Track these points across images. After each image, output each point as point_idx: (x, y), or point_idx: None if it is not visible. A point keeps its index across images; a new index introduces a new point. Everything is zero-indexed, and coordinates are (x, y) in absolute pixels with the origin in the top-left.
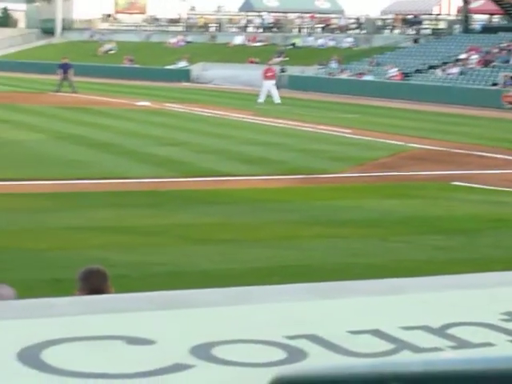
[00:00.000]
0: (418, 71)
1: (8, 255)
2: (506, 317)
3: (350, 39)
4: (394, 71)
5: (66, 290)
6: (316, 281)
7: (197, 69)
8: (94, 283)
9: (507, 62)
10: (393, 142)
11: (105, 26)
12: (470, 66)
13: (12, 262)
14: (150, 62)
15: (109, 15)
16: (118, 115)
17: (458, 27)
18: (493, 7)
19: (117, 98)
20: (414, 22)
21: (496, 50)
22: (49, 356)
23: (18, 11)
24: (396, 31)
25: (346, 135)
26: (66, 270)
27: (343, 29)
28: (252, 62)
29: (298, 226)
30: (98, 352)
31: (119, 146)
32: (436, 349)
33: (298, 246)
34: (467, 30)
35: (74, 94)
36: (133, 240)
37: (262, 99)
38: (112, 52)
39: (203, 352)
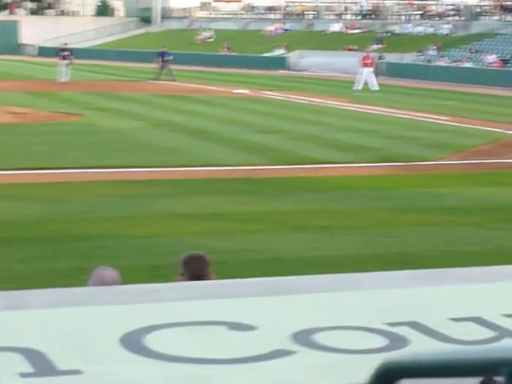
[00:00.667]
0: None
1: (109, 242)
2: None
3: (448, 26)
4: (492, 58)
5: (166, 276)
6: (414, 268)
7: (293, 56)
8: (195, 269)
9: None
10: (492, 129)
11: (203, 14)
12: None
13: (113, 249)
14: (247, 49)
15: (207, 3)
16: (215, 103)
17: None
18: None
19: (214, 85)
20: None
21: None
22: (151, 341)
23: (117, 0)
24: (494, 17)
25: (444, 122)
26: (166, 256)
27: (441, 15)
28: (349, 50)
29: (394, 213)
30: (199, 337)
31: (216, 134)
32: None
33: (394, 233)
34: None
35: (172, 82)
36: (229, 227)
37: (359, 86)
38: (210, 40)
39: (304, 338)
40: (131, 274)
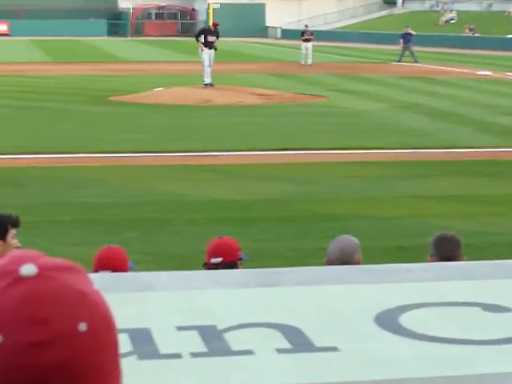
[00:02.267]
0: None
1: (353, 223)
2: None
3: None
4: None
5: (410, 257)
6: None
7: None
8: (447, 250)
9: None
10: None
11: None
12: None
13: (357, 230)
14: (490, 31)
15: None
16: (458, 84)
17: None
18: None
19: (456, 67)
20: None
21: None
22: (405, 320)
23: None
24: None
25: None
26: (410, 237)
27: None
28: None
29: None
30: (453, 318)
31: (460, 116)
32: None
33: None
34: None
35: (414, 64)
36: (474, 209)
37: None
38: (452, 21)
39: None
40: (377, 255)
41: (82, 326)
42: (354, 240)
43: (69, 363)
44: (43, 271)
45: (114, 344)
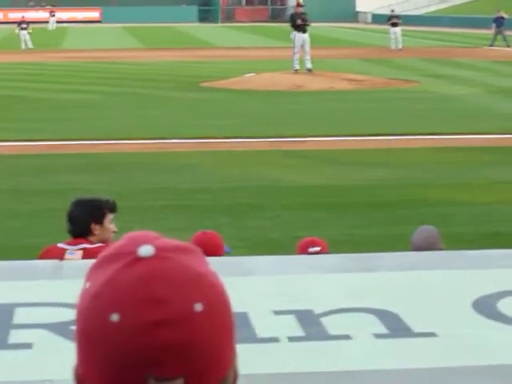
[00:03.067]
0: None
1: (448, 209)
2: None
3: None
4: None
5: (507, 243)
6: None
7: None
8: None
9: None
10: None
11: None
12: None
13: (452, 216)
14: None
15: None
16: None
17: None
18: None
19: None
20: None
21: None
22: (503, 306)
23: None
24: None
25: None
26: (507, 223)
27: None
28: None
29: None
30: None
31: None
32: None
33: None
34: None
35: (507, 48)
36: None
37: None
38: None
39: None
40: (473, 241)
41: (199, 307)
42: (436, 230)
43: (185, 344)
44: (160, 252)
45: (229, 325)
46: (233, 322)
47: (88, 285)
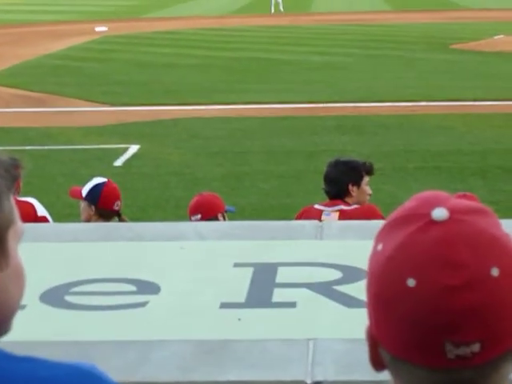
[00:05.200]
0: None
1: None
2: None
3: None
4: None
5: None
6: None
7: None
8: None
9: None
10: None
11: None
12: None
13: None
14: None
15: None
16: None
17: None
18: None
19: None
20: None
21: None
22: None
23: None
24: None
25: None
26: None
27: None
28: None
29: None
30: None
31: None
32: None
33: None
34: None
35: None
36: None
37: None
38: None
39: None
40: None
41: (495, 272)
42: None
43: (481, 307)
44: (455, 215)
45: None
46: None
47: (380, 247)
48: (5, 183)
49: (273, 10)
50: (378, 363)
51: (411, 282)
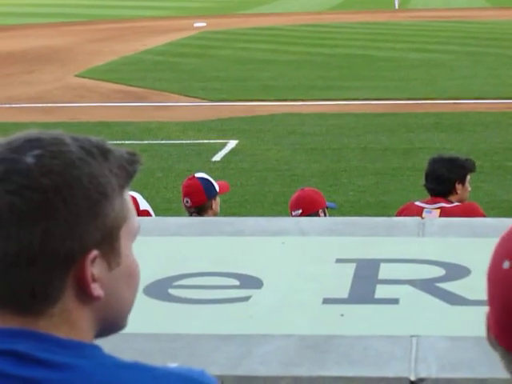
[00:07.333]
0: None
1: None
2: None
3: None
4: None
5: None
6: None
7: None
8: None
9: None
10: None
11: None
12: None
13: None
14: None
15: None
16: None
17: None
18: None
19: None
20: None
21: None
22: None
23: None
24: None
25: None
26: None
27: None
28: None
29: None
30: None
31: None
32: None
33: None
34: None
35: None
36: None
37: None
38: None
39: None
40: None
41: None
42: None
43: None
44: None
45: None
46: None
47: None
48: (117, 181)
49: (397, 6)
50: None
51: (506, 264)
